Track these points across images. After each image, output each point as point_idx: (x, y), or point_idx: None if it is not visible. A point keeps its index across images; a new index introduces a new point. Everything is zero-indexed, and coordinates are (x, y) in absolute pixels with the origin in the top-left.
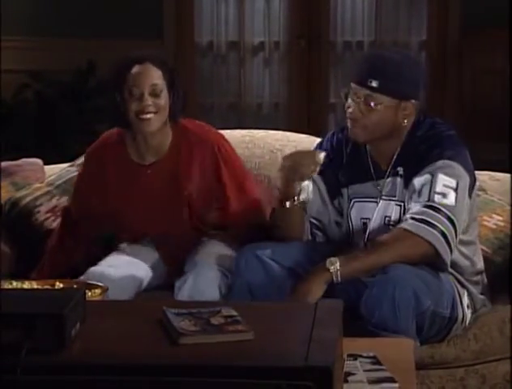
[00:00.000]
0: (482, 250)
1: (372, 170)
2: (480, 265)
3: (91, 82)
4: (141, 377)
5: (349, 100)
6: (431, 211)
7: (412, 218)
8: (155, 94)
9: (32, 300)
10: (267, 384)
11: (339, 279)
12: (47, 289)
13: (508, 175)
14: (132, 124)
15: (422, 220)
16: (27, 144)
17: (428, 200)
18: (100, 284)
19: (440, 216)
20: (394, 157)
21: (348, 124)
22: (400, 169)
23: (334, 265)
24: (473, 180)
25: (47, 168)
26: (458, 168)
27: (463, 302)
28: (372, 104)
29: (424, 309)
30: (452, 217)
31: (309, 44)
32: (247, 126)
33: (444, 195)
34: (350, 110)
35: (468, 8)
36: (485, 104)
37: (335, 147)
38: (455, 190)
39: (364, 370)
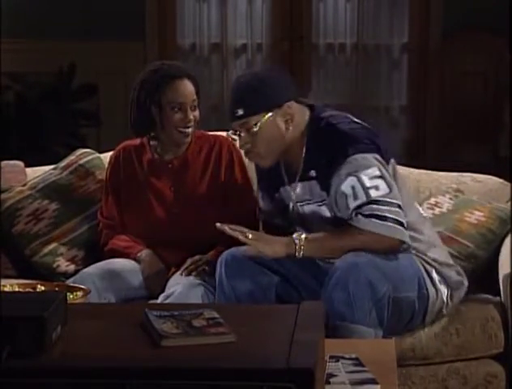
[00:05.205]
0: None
1: (284, 176)
2: (442, 256)
3: (73, 84)
4: (123, 380)
5: (236, 137)
6: (375, 206)
7: (361, 214)
8: (194, 107)
9: (12, 303)
10: (249, 386)
11: (301, 255)
12: (28, 292)
13: (489, 177)
14: (166, 134)
15: (372, 215)
16: (8, 146)
17: (367, 197)
18: (81, 286)
19: (385, 207)
20: (302, 161)
21: (247, 158)
22: (313, 172)
23: (300, 240)
24: (382, 155)
25: (30, 170)
26: (366, 156)
27: (434, 278)
28: (249, 129)
29: (380, 295)
30: (394, 201)
31: (291, 46)
32: (229, 127)
33: (376, 187)
34: (238, 145)
35: (449, 10)
36: (467, 106)
37: None
38: (381, 177)
39: (347, 372)
